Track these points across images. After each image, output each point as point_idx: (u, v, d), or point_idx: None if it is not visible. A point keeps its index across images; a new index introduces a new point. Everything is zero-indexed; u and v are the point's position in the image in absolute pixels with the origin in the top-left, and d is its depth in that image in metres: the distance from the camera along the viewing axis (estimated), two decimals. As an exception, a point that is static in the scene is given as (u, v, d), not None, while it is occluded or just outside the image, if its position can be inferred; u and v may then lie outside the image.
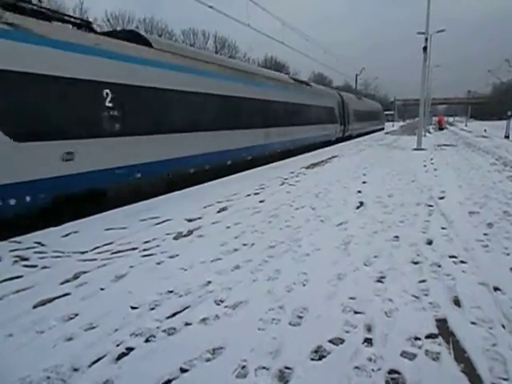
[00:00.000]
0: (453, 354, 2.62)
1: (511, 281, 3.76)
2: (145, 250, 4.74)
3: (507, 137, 28.36)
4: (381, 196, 7.74)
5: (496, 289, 3.58)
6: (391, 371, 2.46)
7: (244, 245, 4.89)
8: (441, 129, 44.33)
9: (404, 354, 2.62)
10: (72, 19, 7.64)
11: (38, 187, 5.82)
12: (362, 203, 7.17)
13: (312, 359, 2.59)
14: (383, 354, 2.62)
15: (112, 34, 8.40)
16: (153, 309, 3.27)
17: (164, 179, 8.63)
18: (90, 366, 2.53)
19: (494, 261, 4.28)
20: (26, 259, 4.43)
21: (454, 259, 4.34)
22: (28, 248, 4.79)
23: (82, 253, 4.63)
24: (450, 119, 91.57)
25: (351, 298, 3.41)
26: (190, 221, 6.07)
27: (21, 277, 3.92)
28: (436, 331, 2.90)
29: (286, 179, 10.13)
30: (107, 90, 6.93)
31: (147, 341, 2.81)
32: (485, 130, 38.11)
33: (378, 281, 3.79)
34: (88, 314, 3.17)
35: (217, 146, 10.70)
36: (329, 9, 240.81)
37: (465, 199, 7.38)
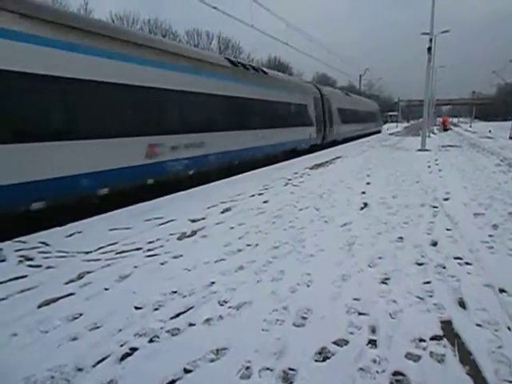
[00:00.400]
0: (458, 356, 2.60)
1: (517, 282, 3.73)
2: (149, 250, 4.75)
3: (512, 138, 28.20)
4: (385, 197, 7.71)
5: (501, 290, 3.55)
6: (396, 373, 2.45)
7: (248, 245, 4.88)
8: (445, 130, 44.17)
9: (409, 356, 2.61)
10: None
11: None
12: (366, 204, 7.14)
13: (316, 360, 2.58)
14: (388, 355, 2.61)
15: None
16: (157, 309, 3.27)
17: None
18: (94, 365, 2.53)
19: (499, 262, 4.25)
20: (31, 259, 4.44)
21: (458, 260, 4.31)
22: (32, 248, 4.81)
23: (87, 253, 4.64)
24: (455, 120, 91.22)
25: (355, 299, 3.40)
26: (193, 221, 6.08)
27: (25, 276, 3.93)
28: (441, 333, 2.88)
29: (289, 180, 10.11)
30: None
31: (151, 341, 2.81)
32: (489, 131, 37.95)
33: (383, 282, 3.77)
34: (92, 313, 3.18)
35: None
36: (331, 10, 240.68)
37: (470, 200, 7.34)
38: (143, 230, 5.58)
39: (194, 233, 5.46)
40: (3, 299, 3.45)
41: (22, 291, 3.60)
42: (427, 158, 15.00)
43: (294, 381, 2.39)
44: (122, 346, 2.75)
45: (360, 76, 47.96)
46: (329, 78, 74.90)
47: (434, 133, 36.22)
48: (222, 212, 6.68)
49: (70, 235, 5.36)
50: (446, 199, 7.50)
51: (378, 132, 41.00)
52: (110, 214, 6.58)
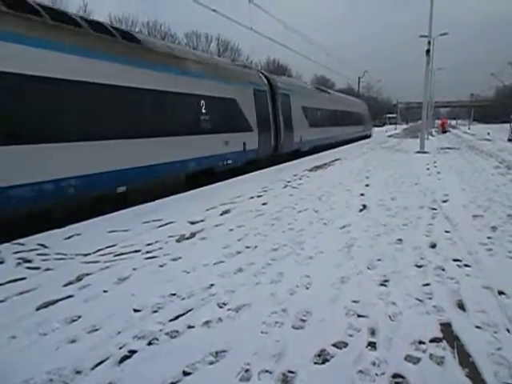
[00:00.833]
0: (457, 359, 2.60)
1: (516, 285, 3.73)
2: (148, 252, 4.74)
3: (510, 140, 28.28)
4: (384, 199, 7.72)
5: (500, 293, 3.55)
6: (395, 375, 2.44)
7: (247, 247, 4.88)
8: (444, 132, 44.32)
9: (408, 358, 2.61)
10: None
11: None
12: (364, 206, 7.15)
13: (315, 363, 2.57)
14: (387, 357, 2.60)
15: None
16: (156, 311, 3.27)
17: None
18: (92, 368, 2.52)
19: (498, 264, 4.26)
20: (29, 261, 4.43)
21: (457, 263, 4.31)
22: (31, 250, 4.80)
23: (85, 255, 4.63)
24: (453, 122, 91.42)
25: (355, 302, 3.39)
26: (192, 223, 6.07)
27: (24, 279, 3.92)
28: (440, 335, 2.88)
29: (288, 182, 10.12)
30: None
31: (150, 344, 2.80)
32: (488, 133, 38.02)
33: (382, 284, 3.77)
34: (91, 316, 3.17)
35: None
36: (330, 12, 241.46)
37: (468, 202, 7.35)
38: (142, 232, 5.57)
39: (193, 235, 5.46)
40: (2, 301, 3.43)
41: (21, 293, 3.59)
42: (426, 160, 15.03)
43: (293, 383, 2.38)
44: (120, 348, 2.74)
45: (359, 78, 48.04)
46: (328, 81, 75.07)
47: (432, 135, 36.31)
48: (221, 214, 6.67)
49: (69, 237, 5.34)
50: (445, 201, 7.51)
51: (367, 137, 35.05)
52: (108, 216, 6.57)
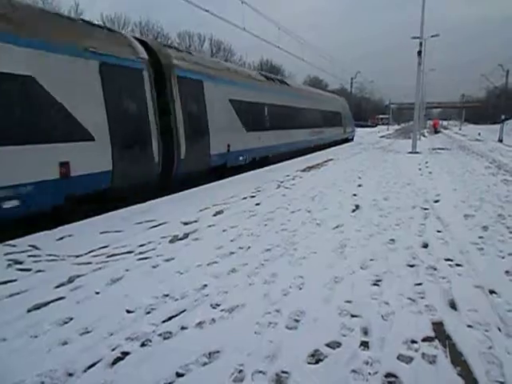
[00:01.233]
0: (449, 357, 2.62)
1: (507, 284, 3.77)
2: (140, 253, 4.71)
3: (501, 140, 28.64)
4: (376, 199, 7.76)
5: (492, 292, 3.59)
6: (388, 374, 2.45)
7: (240, 248, 4.87)
8: (436, 132, 44.80)
9: (401, 358, 2.62)
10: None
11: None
12: (357, 206, 7.18)
13: (309, 363, 2.57)
14: (380, 357, 2.61)
15: None
16: (148, 313, 3.25)
17: None
18: (84, 370, 2.50)
19: (489, 264, 4.30)
20: (21, 263, 4.38)
21: (449, 262, 4.35)
22: (22, 251, 4.74)
23: (77, 256, 4.59)
24: (445, 123, 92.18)
25: (348, 302, 3.40)
26: (185, 224, 6.05)
27: (15, 280, 3.87)
28: (432, 334, 2.90)
29: (281, 182, 10.13)
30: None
31: (143, 345, 2.78)
32: (479, 134, 38.42)
33: (375, 284, 3.78)
34: (83, 317, 3.14)
35: None
36: (325, 14, 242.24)
37: (460, 202, 7.41)
38: (135, 233, 5.54)
39: (186, 235, 5.44)
40: (-8, 304, 3.39)
41: (11, 295, 3.55)
42: (418, 160, 15.14)
43: (286, 384, 2.38)
44: (113, 350, 2.72)
45: (351, 79, 48.19)
46: (321, 81, 75.28)
47: (424, 135, 36.58)
48: (215, 215, 6.66)
49: (61, 238, 5.30)
50: (437, 201, 7.57)
51: (347, 141, 29.74)
52: (100, 216, 6.52)
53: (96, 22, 9.15)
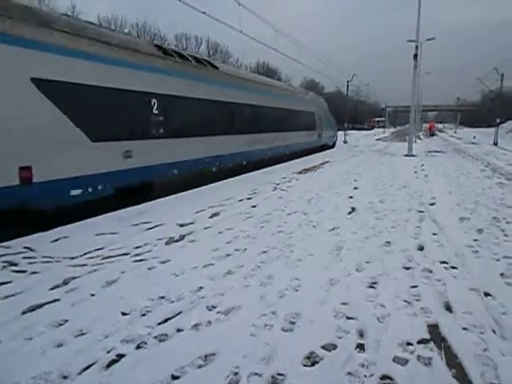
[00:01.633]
0: (444, 360, 2.62)
1: (501, 286, 3.79)
2: (136, 255, 4.70)
3: (496, 144, 28.81)
4: (372, 202, 7.78)
5: (487, 294, 3.60)
6: (384, 377, 2.46)
7: (236, 250, 4.87)
8: (431, 135, 45.07)
9: (396, 360, 2.62)
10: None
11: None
12: (353, 209, 7.19)
13: (304, 365, 2.57)
14: (376, 359, 2.62)
15: None
16: (144, 315, 3.24)
17: None
18: (79, 373, 2.49)
19: (484, 266, 4.32)
20: (15, 264, 4.36)
21: (445, 265, 4.36)
22: (17, 253, 4.72)
23: (72, 258, 4.57)
24: (440, 126, 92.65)
25: (343, 304, 3.41)
26: (181, 226, 6.04)
27: (10, 282, 3.85)
28: (428, 336, 2.90)
29: (278, 184, 10.14)
30: None
31: (138, 347, 2.77)
32: (474, 137, 38.65)
33: (370, 286, 3.79)
34: (78, 320, 3.12)
35: None
36: (321, 17, 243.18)
37: (455, 205, 7.45)
38: (130, 235, 5.52)
39: (182, 237, 5.43)
40: (-14, 306, 3.37)
41: (6, 297, 3.53)
42: (414, 163, 15.20)
43: (282, 386, 2.38)
44: (108, 352, 2.71)
45: (348, 82, 48.32)
46: (317, 84, 75.49)
47: (420, 138, 36.76)
48: (211, 216, 6.65)
49: (56, 240, 5.27)
50: (432, 204, 7.60)
51: (326, 148, 24.21)
52: (95, 218, 6.49)
53: None
